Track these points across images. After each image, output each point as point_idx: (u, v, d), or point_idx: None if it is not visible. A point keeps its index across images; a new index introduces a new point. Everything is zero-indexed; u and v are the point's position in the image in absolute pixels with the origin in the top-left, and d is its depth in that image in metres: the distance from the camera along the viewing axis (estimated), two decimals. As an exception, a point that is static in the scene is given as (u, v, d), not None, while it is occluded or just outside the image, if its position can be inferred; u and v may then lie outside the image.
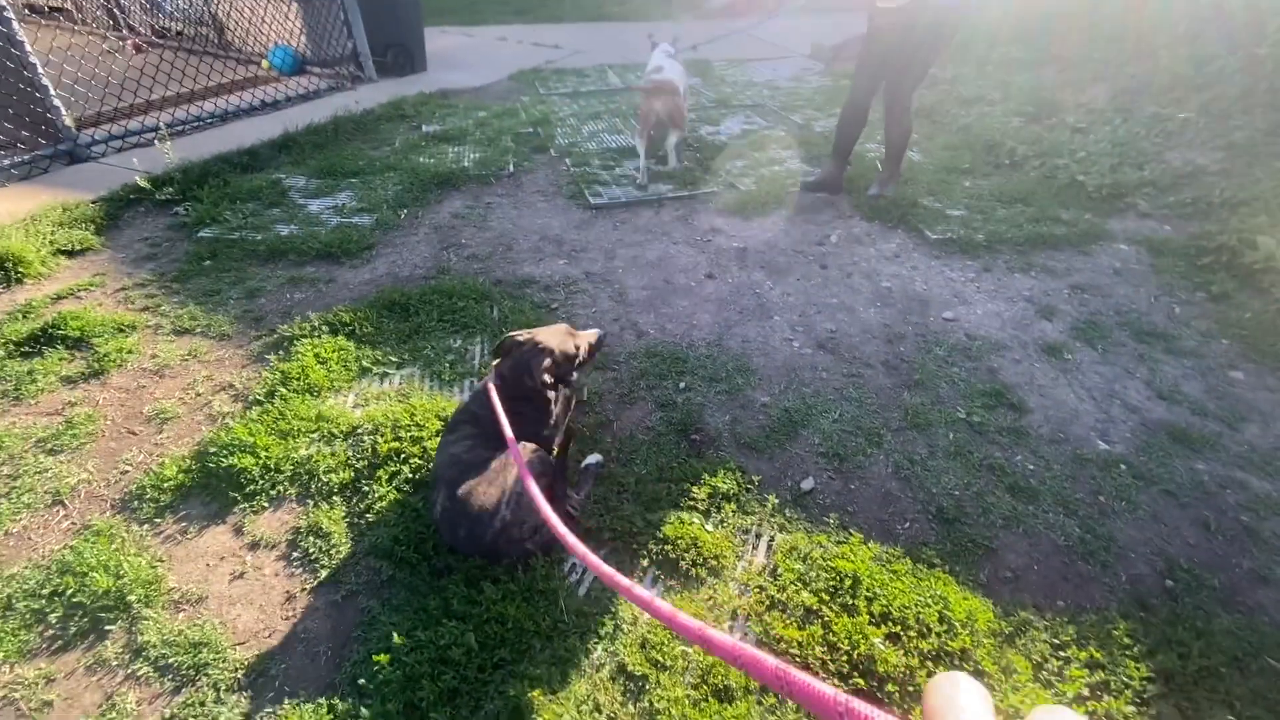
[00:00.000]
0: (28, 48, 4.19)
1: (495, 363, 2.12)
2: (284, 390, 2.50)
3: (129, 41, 7.20)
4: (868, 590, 1.82)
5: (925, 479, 2.27)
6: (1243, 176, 4.09)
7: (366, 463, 2.23)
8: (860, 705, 0.66)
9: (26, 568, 1.90)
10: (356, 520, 2.06)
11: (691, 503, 2.11)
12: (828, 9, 9.47)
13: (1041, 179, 4.48)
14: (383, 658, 1.62)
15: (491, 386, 1.98)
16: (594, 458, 2.20)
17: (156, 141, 4.53)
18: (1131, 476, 2.30)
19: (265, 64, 6.49)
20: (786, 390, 2.66)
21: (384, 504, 2.09)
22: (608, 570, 0.98)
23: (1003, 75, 6.23)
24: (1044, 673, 1.69)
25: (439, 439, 2.10)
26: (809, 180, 4.44)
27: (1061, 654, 1.73)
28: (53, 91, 4.33)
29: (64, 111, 4.45)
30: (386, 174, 4.42)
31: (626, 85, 6.67)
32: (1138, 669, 1.69)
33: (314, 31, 6.29)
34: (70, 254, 3.51)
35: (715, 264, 3.58)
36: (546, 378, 1.98)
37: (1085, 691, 1.64)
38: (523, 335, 2.08)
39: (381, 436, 2.29)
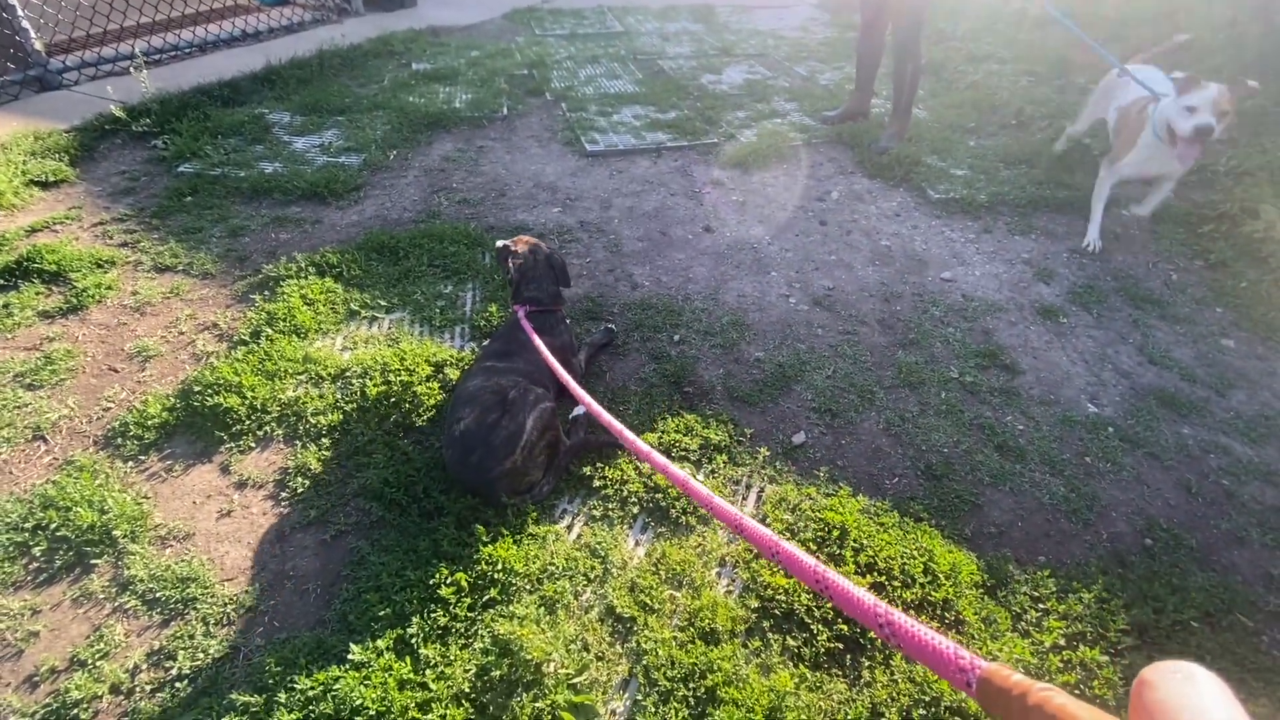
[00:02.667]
0: (-10, -38, 3.94)
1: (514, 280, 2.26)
2: (270, 331, 2.44)
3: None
4: (855, 541, 1.84)
5: (915, 436, 2.28)
6: (1249, 145, 4.03)
7: (355, 406, 2.20)
8: (900, 617, 0.65)
9: (8, 501, 1.87)
10: (345, 462, 2.05)
11: (683, 453, 2.11)
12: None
13: (1048, 141, 4.39)
14: (373, 596, 1.62)
15: (523, 316, 2.11)
16: (581, 410, 2.19)
17: (132, 70, 4.31)
18: (1118, 439, 2.32)
19: (247, -8, 6.16)
20: (781, 346, 2.64)
21: (373, 446, 2.07)
22: (644, 447, 1.16)
23: (1013, 33, 6.05)
24: (1023, 623, 1.74)
25: (461, 370, 2.24)
26: (830, 114, 4.48)
27: (1040, 606, 1.77)
28: (21, 12, 4.08)
29: (34, 35, 4.21)
30: (374, 112, 4.25)
31: (627, 29, 6.42)
32: (1114, 622, 1.73)
33: (298, -42, 5.96)
34: (44, 185, 3.37)
35: (713, 216, 3.51)
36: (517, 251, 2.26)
37: (1061, 641, 1.68)
38: (515, 244, 2.32)
39: (371, 380, 2.25)
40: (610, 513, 1.93)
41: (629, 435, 1.28)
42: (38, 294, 2.65)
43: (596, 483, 2.00)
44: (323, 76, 4.74)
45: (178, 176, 3.47)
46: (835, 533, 1.86)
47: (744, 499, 2.01)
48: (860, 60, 4.26)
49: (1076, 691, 1.59)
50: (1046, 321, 2.87)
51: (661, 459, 1.12)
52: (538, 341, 1.97)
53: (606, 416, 1.37)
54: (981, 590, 1.80)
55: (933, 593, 1.75)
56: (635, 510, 1.94)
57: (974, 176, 3.97)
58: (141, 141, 3.81)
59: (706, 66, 5.56)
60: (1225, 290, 3.10)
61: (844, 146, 4.32)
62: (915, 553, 1.83)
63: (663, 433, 2.17)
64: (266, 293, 2.69)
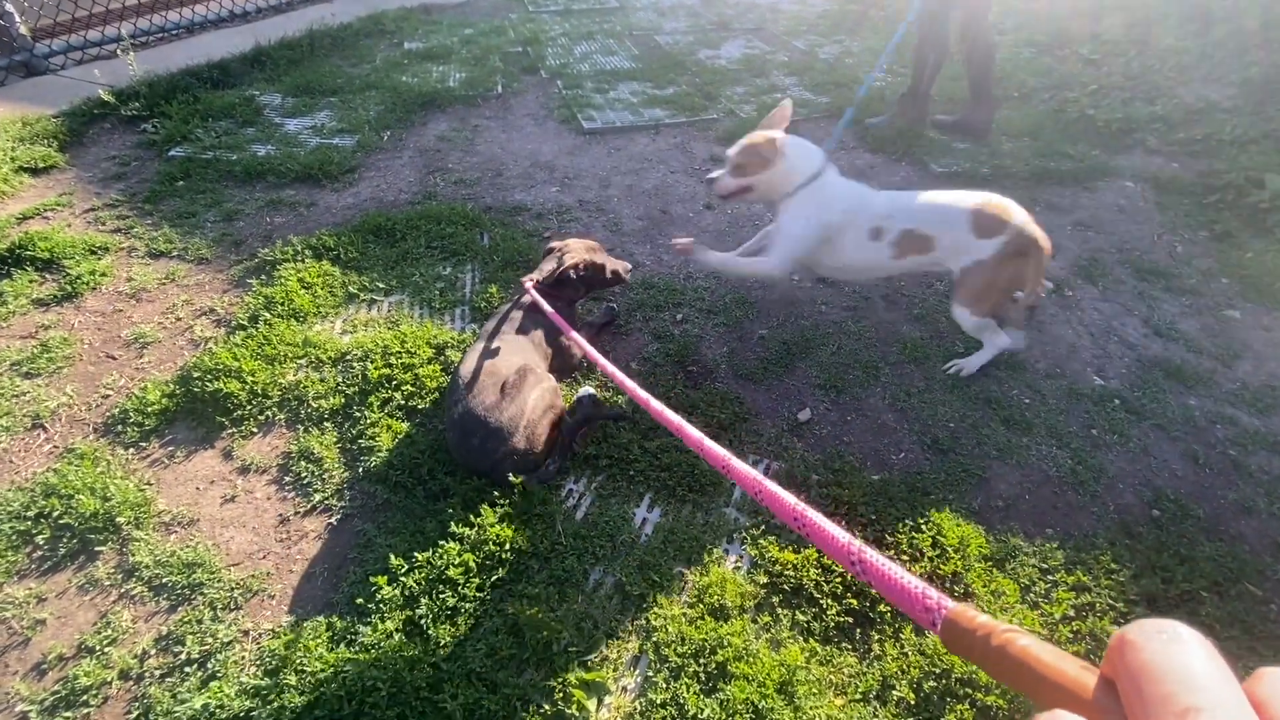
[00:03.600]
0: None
1: (529, 276, 2.19)
2: (268, 315, 2.41)
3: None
4: (863, 516, 1.83)
5: (921, 411, 2.27)
6: (1255, 114, 3.98)
7: (357, 389, 2.17)
8: (873, 555, 0.65)
9: (9, 490, 1.86)
10: (349, 446, 2.03)
11: (689, 431, 2.10)
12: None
13: (1051, 112, 4.33)
14: (381, 579, 1.62)
15: (534, 290, 2.09)
16: (586, 390, 2.17)
17: (119, 52, 4.23)
18: (1124, 411, 2.31)
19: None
20: (785, 323, 2.62)
21: (377, 430, 2.05)
22: (643, 395, 1.17)
23: (1017, 2, 5.94)
24: (1031, 595, 1.73)
25: (463, 351, 2.20)
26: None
27: (1049, 578, 1.77)
28: (1, -6, 3.99)
29: (18, 19, 4.12)
30: (367, 93, 4.18)
31: (622, 5, 6.29)
32: (1122, 592, 1.73)
33: (284, -64, 5.82)
34: (34, 172, 3.31)
35: (714, 194, 3.45)
36: (573, 273, 2.22)
37: (1071, 613, 1.68)
38: (557, 242, 2.31)
39: (372, 363, 2.23)
40: (618, 490, 1.92)
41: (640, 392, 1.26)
42: (31, 282, 2.62)
43: (603, 461, 1.99)
44: (313, 57, 4.65)
45: (169, 160, 3.41)
46: (843, 508, 1.85)
47: (751, 476, 2.00)
48: (920, 57, 3.73)
49: (1088, 661, 1.59)
50: (1052, 295, 2.84)
51: (659, 406, 1.12)
52: (560, 321, 1.92)
53: (620, 376, 1.35)
54: (990, 563, 1.79)
55: (942, 566, 1.74)
56: (642, 488, 1.93)
57: (977, 150, 3.92)
58: (131, 125, 3.74)
59: (704, 41, 5.46)
60: (1230, 261, 3.07)
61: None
62: (924, 526, 1.82)
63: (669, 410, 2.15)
64: (263, 277, 2.65)
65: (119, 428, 2.07)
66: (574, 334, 1.81)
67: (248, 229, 2.99)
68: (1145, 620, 0.29)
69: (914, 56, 3.83)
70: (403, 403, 2.13)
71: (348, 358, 2.28)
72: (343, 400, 2.14)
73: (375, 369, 2.20)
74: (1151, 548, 1.86)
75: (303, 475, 1.94)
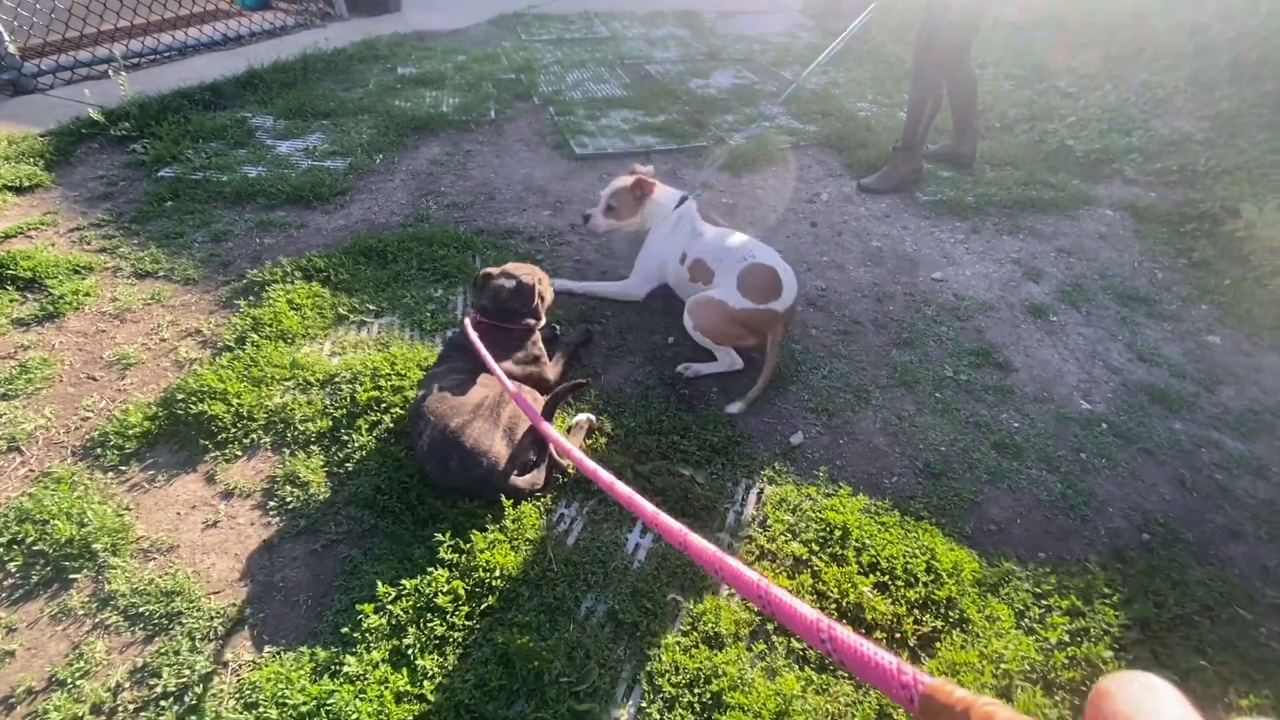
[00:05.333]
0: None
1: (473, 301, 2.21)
2: (255, 336, 2.38)
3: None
4: (856, 541, 1.82)
5: (913, 435, 2.28)
6: (1227, 146, 4.11)
7: (345, 411, 2.14)
8: (844, 632, 0.62)
9: (-19, 515, 1.80)
10: (336, 470, 1.99)
11: (681, 455, 2.08)
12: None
13: (1031, 143, 4.45)
14: (367, 606, 1.57)
15: (468, 322, 2.08)
16: (582, 416, 2.15)
17: (110, 73, 4.23)
18: (1112, 435, 2.33)
19: (228, -3, 6.08)
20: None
21: (364, 453, 2.02)
22: (618, 486, 1.10)
23: (996, 37, 6.13)
24: (1026, 620, 1.73)
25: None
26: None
27: (1043, 602, 1.77)
28: (-9, 14, 3.99)
29: (7, 39, 4.12)
30: (360, 116, 4.20)
31: (613, 34, 6.42)
32: (1116, 616, 1.73)
33: (280, -37, 5.90)
34: (18, 190, 3.28)
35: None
36: (506, 295, 2.16)
37: (1066, 638, 1.67)
38: (495, 269, 2.24)
39: (361, 385, 2.20)
40: (610, 515, 1.89)
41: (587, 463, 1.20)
42: (11, 301, 2.57)
43: (594, 486, 1.96)
44: (306, 80, 4.68)
45: (158, 181, 3.39)
46: (837, 533, 1.84)
47: (744, 500, 1.99)
48: (917, 106, 3.62)
49: (1084, 688, 1.58)
50: (1037, 320, 2.88)
51: (608, 480, 1.10)
52: (479, 346, 1.95)
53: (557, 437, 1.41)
54: (984, 588, 1.79)
55: (936, 591, 1.73)
56: (634, 513, 1.90)
57: (960, 178, 4.01)
58: (120, 146, 3.72)
59: (694, 71, 5.57)
60: (1209, 288, 3.14)
61: (832, 150, 4.34)
62: (917, 551, 1.81)
63: (660, 434, 2.15)
64: (251, 298, 2.62)
65: (98, 451, 2.02)
66: (497, 370, 1.85)
67: (237, 250, 2.97)
68: (1121, 672, 0.29)
69: (909, 107, 3.69)
70: (391, 426, 2.10)
71: (336, 380, 2.25)
72: (330, 423, 2.11)
73: (364, 391, 2.17)
74: (1143, 572, 1.86)
75: (287, 500, 1.90)
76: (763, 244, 2.56)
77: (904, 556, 1.79)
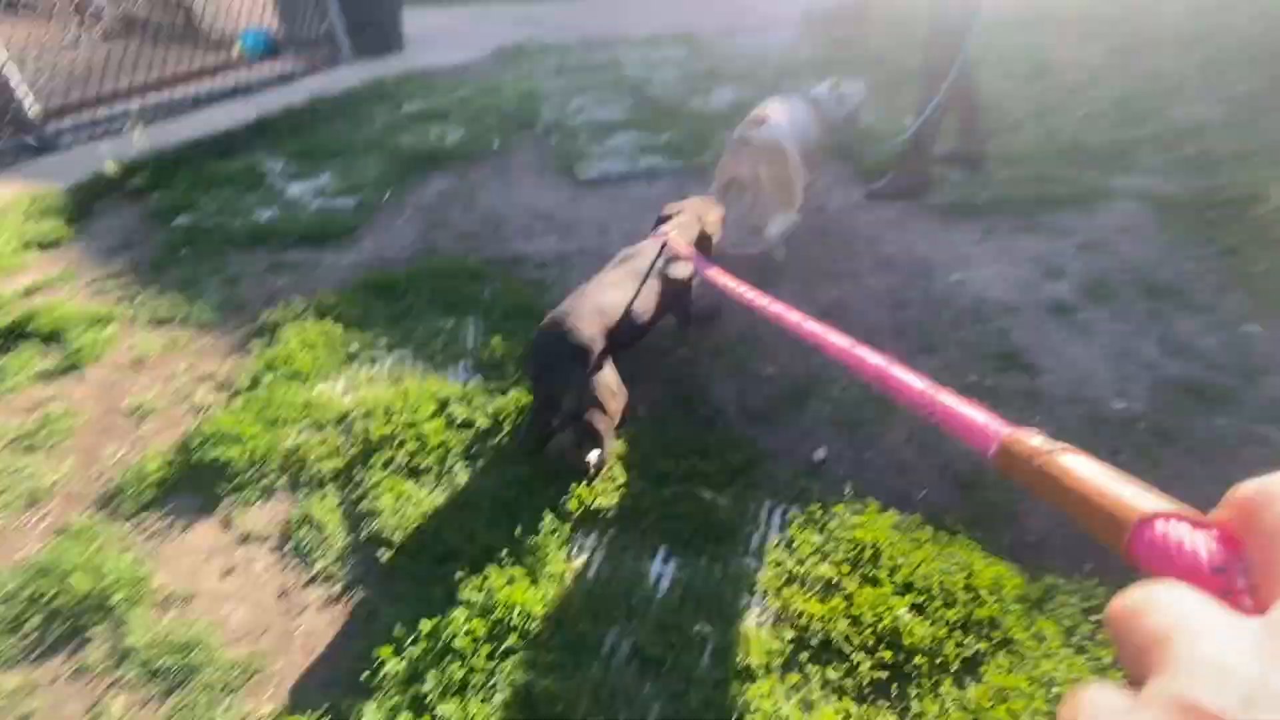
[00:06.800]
0: (-15, 34, 4.01)
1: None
2: (269, 378, 2.39)
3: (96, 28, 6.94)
4: (889, 560, 1.74)
5: (941, 444, 2.19)
6: (1247, 129, 4.00)
7: (359, 449, 2.13)
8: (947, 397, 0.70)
9: (3, 572, 1.80)
10: (351, 509, 1.97)
11: (702, 477, 2.03)
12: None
13: (1041, 139, 4.37)
14: (385, 650, 1.53)
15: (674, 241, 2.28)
16: (594, 454, 2.01)
17: (126, 129, 4.36)
18: (1151, 435, 2.23)
19: (238, 48, 6.27)
20: (793, 360, 2.57)
21: (380, 491, 1.99)
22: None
23: (996, 36, 6.09)
24: (1076, 638, 1.63)
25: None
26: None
27: (1093, 618, 1.67)
28: (14, 82, 4.14)
29: (29, 103, 4.27)
30: (368, 155, 4.27)
31: (613, 59, 6.49)
32: (1173, 630, 1.62)
33: (287, 12, 6.08)
34: (41, 246, 3.36)
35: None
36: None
37: (1120, 655, 1.57)
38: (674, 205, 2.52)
39: (374, 421, 2.19)
40: (630, 545, 1.84)
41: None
42: (34, 355, 2.61)
43: (612, 514, 1.91)
44: (315, 123, 4.78)
45: (172, 230, 3.46)
46: (868, 552, 1.77)
47: (768, 521, 1.92)
48: (954, 94, 3.53)
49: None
50: (1062, 319, 2.79)
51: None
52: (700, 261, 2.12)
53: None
54: (1028, 604, 1.69)
55: (977, 610, 1.64)
56: (655, 541, 1.85)
57: (970, 179, 3.94)
58: (137, 198, 3.81)
59: (695, 89, 5.60)
60: (1243, 275, 3.02)
61: (839, 158, 4.30)
62: (954, 568, 1.73)
63: (679, 457, 2.09)
64: (265, 339, 2.64)
65: (117, 500, 2.02)
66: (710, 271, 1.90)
67: (250, 293, 3.00)
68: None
69: (918, 109, 3.58)
70: (406, 461, 2.08)
71: (349, 417, 2.24)
72: (345, 462, 2.09)
73: (378, 428, 2.16)
74: (1198, 580, 1.76)
75: (304, 542, 1.87)
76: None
77: (940, 574, 1.71)
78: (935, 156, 3.86)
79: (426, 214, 3.66)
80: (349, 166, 4.12)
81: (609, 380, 1.98)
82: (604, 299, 2.06)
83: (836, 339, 0.94)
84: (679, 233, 2.37)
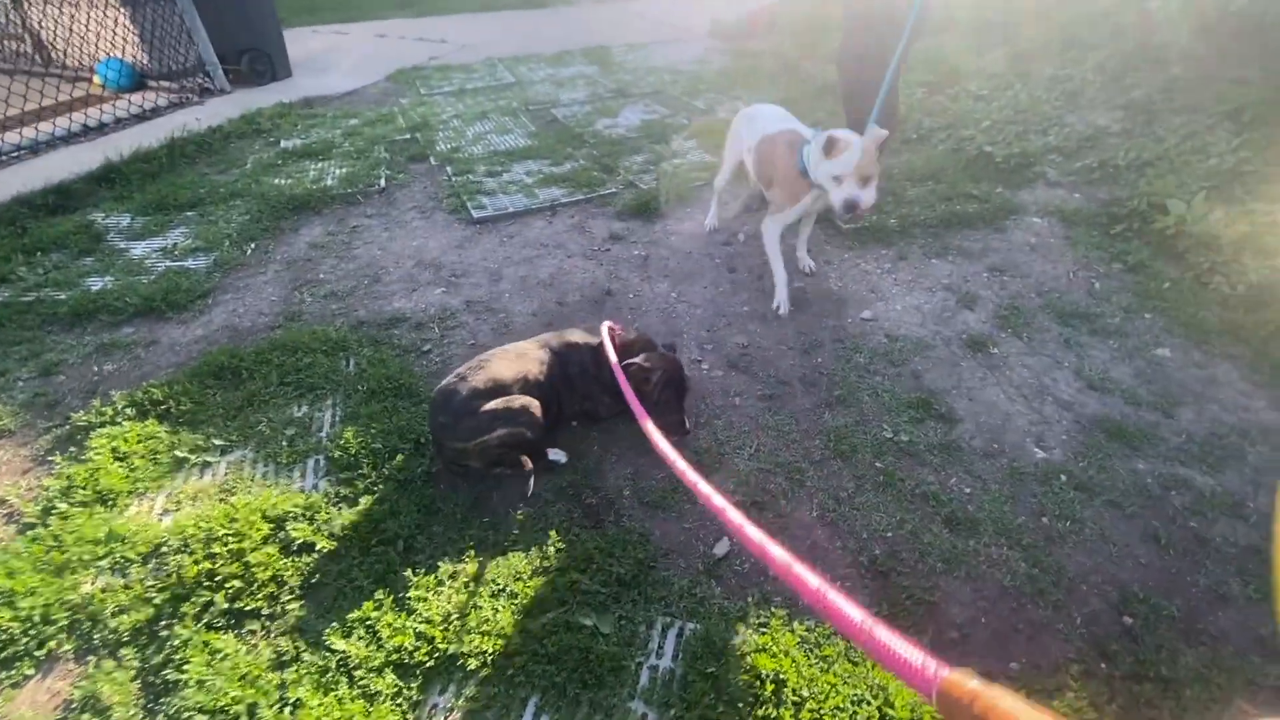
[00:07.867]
0: None
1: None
2: (64, 506, 1.97)
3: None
4: (792, 694, 1.50)
5: (854, 520, 1.98)
6: (1144, 135, 4.02)
7: (169, 594, 1.75)
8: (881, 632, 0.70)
9: None
10: (150, 680, 1.59)
11: (583, 597, 1.74)
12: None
13: (950, 152, 4.29)
14: None
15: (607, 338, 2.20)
16: (557, 452, 2.20)
17: (-61, 185, 3.76)
18: (1073, 488, 2.08)
19: (96, 80, 5.64)
20: (697, 425, 2.32)
21: (190, 652, 1.62)
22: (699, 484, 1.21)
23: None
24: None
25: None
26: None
27: (1022, 741, 1.46)
28: None
29: None
30: (232, 202, 3.82)
31: (518, 79, 6.16)
32: (1109, 748, 1.44)
33: (150, 40, 5.49)
34: None
35: (614, 277, 3.21)
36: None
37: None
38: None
39: (190, 555, 1.81)
40: (495, 698, 1.53)
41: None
42: None
43: (473, 662, 1.60)
44: (174, 167, 4.27)
45: (-19, 309, 2.95)
46: (769, 686, 1.52)
47: (660, 649, 1.65)
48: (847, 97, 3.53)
49: None
50: (977, 354, 2.64)
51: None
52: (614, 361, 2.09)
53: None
54: (951, 729, 1.48)
55: (894, 747, 1.42)
56: (525, 690, 1.55)
57: (881, 199, 3.80)
58: (-56, 270, 3.26)
59: (602, 110, 5.34)
60: (1149, 293, 2.96)
61: (747, 182, 4.10)
62: (868, 695, 1.50)
63: (559, 571, 1.80)
64: (72, 449, 2.21)
65: None
66: (648, 424, 1.65)
67: (68, 384, 2.54)
68: None
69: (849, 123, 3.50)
70: (226, 606, 1.72)
71: (163, 550, 1.85)
72: (150, 613, 1.71)
73: (193, 563, 1.78)
74: (1130, 674, 1.58)
75: (83, 736, 1.49)
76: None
77: (851, 706, 1.48)
78: None
79: (294, 270, 3.26)
80: (207, 217, 3.66)
81: (500, 406, 2.00)
82: (498, 370, 2.09)
83: (777, 553, 0.94)
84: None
